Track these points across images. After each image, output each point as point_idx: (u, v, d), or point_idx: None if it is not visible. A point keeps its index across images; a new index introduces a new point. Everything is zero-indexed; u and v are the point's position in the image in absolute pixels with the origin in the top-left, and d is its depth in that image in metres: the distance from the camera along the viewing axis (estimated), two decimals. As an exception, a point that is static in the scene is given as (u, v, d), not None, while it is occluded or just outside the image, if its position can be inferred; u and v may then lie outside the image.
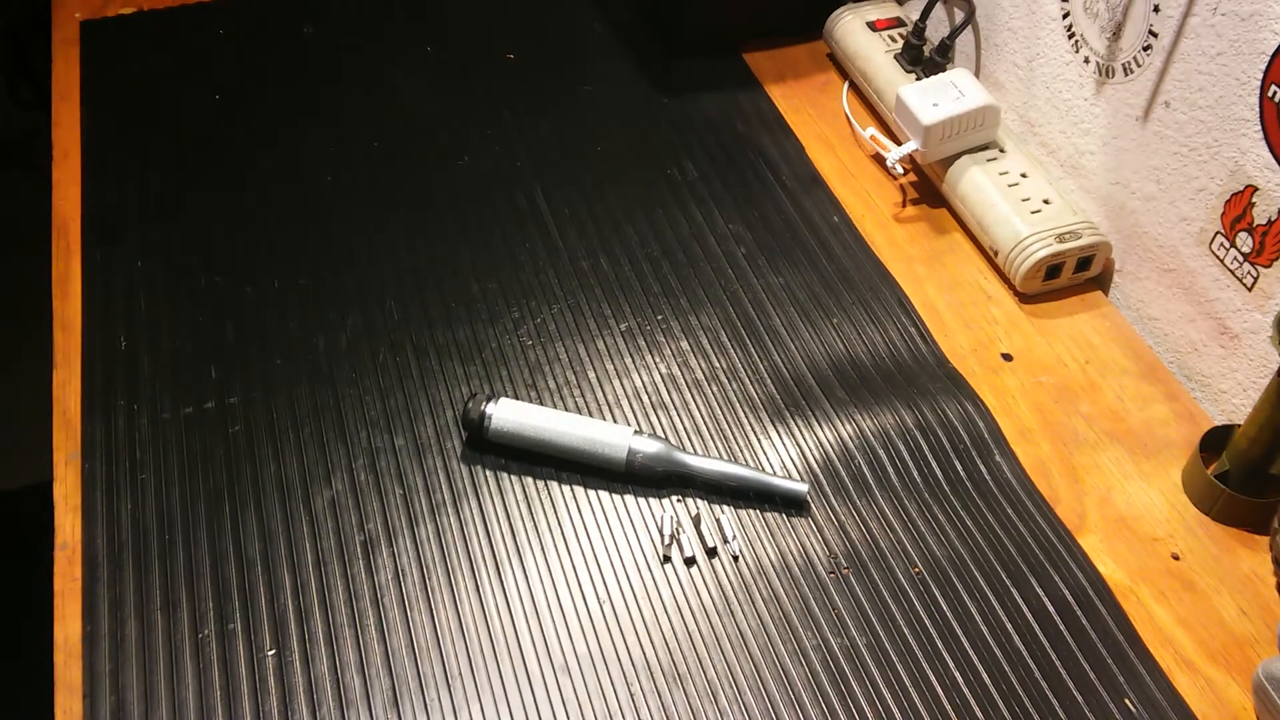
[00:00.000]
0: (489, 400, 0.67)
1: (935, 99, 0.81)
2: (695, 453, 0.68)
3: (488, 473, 0.67)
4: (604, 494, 0.66)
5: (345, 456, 0.68)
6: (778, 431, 0.70)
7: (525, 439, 0.66)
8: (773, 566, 0.63)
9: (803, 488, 0.66)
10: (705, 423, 0.70)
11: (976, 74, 0.91)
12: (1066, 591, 0.62)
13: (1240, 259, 0.67)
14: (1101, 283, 0.80)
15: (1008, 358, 0.75)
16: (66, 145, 0.89)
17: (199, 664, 0.58)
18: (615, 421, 0.70)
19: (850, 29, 0.95)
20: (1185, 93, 0.69)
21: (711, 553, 0.64)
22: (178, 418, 0.69)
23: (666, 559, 0.63)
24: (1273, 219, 0.64)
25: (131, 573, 0.62)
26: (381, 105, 0.93)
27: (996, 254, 0.79)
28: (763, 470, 0.67)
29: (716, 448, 0.69)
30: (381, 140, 0.90)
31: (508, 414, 0.66)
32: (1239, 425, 0.65)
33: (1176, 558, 0.64)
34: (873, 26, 0.94)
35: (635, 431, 0.66)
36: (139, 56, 0.97)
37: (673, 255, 0.81)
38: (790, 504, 0.66)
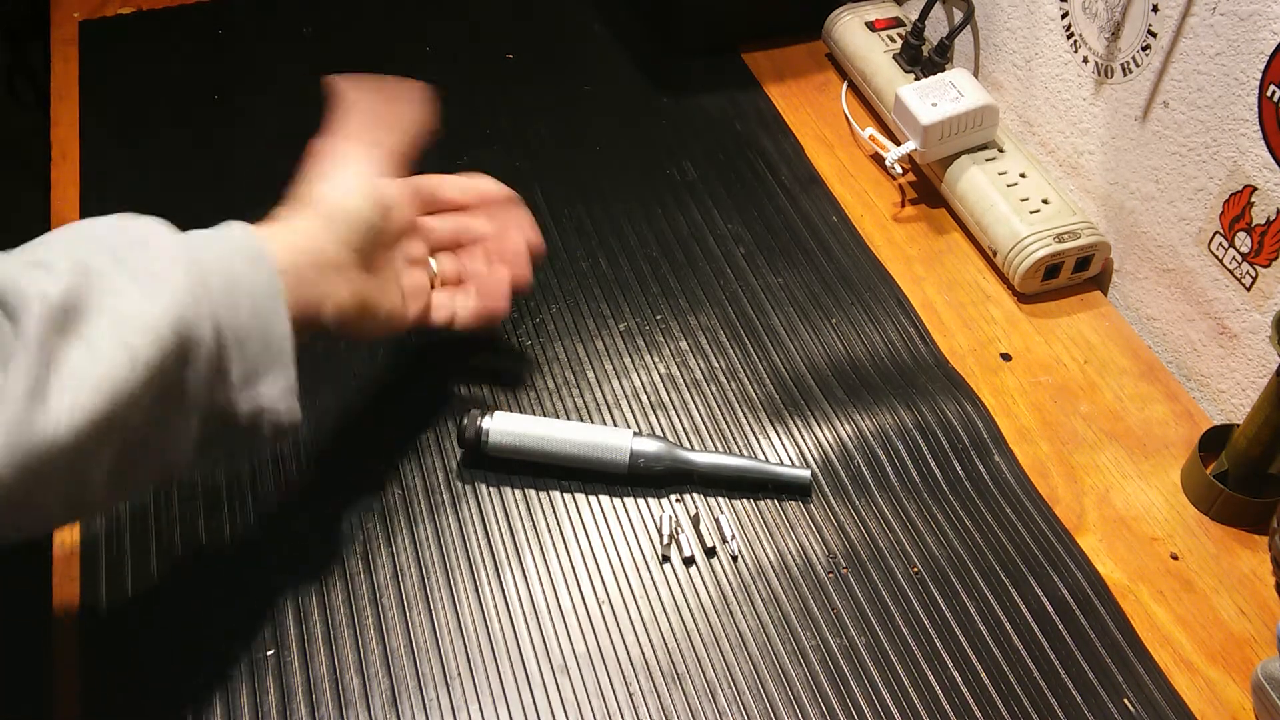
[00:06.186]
0: (484, 415, 0.66)
1: (934, 99, 0.81)
2: (695, 450, 0.68)
3: (486, 473, 0.67)
4: (602, 494, 0.66)
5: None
6: (776, 431, 0.70)
7: (525, 451, 0.66)
8: (771, 566, 0.63)
9: (805, 474, 0.66)
10: (704, 423, 0.70)
11: (975, 74, 0.91)
12: (1065, 591, 0.62)
13: (1239, 259, 0.67)
14: (1100, 282, 0.80)
15: (1006, 357, 0.75)
16: (65, 145, 0.89)
17: (196, 664, 0.58)
18: (614, 422, 0.70)
19: (849, 29, 0.95)
20: (1184, 92, 0.69)
21: (710, 553, 0.64)
22: (176, 418, 0.69)
23: (665, 559, 0.63)
24: (1271, 219, 0.64)
25: (131, 572, 0.62)
26: (380, 105, 0.93)
27: (995, 254, 0.79)
28: (765, 461, 0.67)
29: (715, 447, 0.69)
30: (380, 140, 0.90)
31: (505, 428, 0.66)
32: (1238, 425, 0.65)
33: (1175, 557, 0.64)
34: (871, 26, 0.94)
35: (635, 433, 0.66)
36: (138, 56, 0.97)
37: (671, 255, 0.81)
38: (795, 492, 0.66)
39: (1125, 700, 0.58)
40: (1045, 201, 0.79)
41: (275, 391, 0.52)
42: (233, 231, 0.53)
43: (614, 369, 0.73)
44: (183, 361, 0.47)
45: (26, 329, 0.43)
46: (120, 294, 0.46)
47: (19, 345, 0.43)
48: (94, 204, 0.84)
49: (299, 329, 0.53)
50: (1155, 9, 0.69)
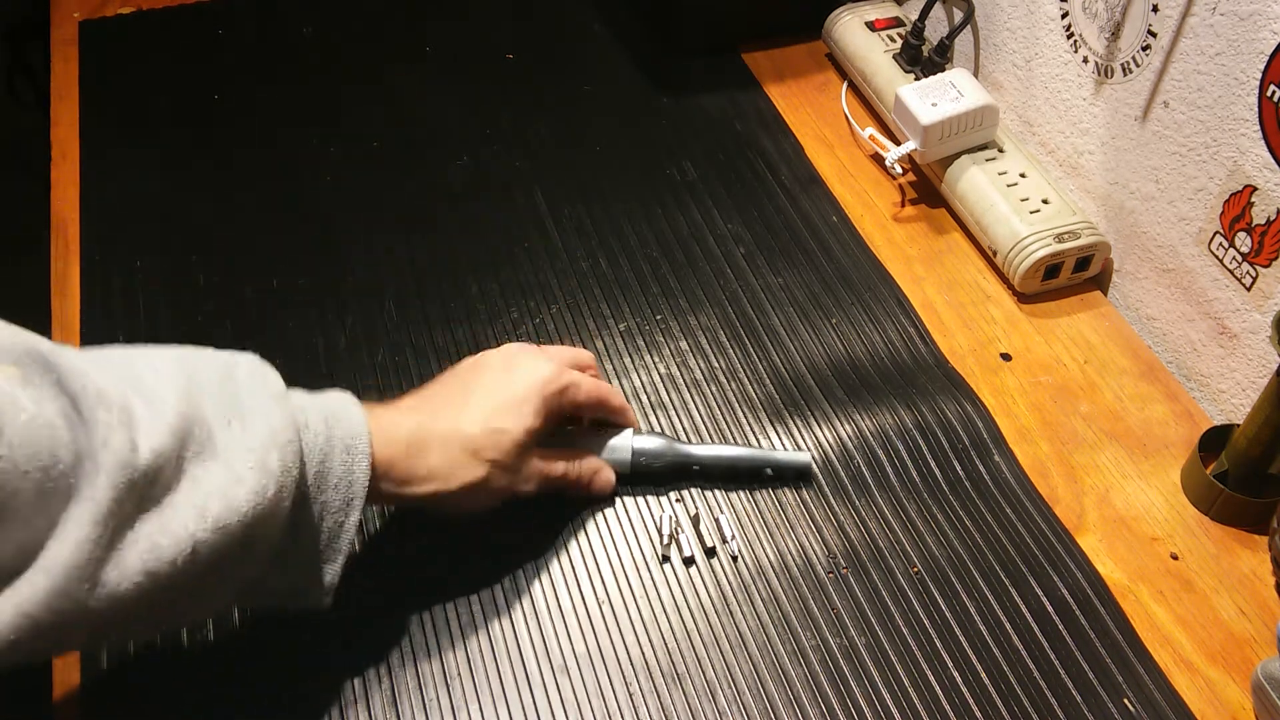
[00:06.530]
0: None
1: (934, 99, 0.81)
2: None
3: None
4: (603, 494, 0.66)
5: (344, 456, 0.67)
6: (776, 431, 0.70)
7: None
8: (771, 566, 0.63)
9: (805, 457, 0.66)
10: (704, 423, 0.70)
11: (975, 74, 0.91)
12: (1065, 591, 0.62)
13: (1239, 259, 0.67)
14: (1100, 283, 0.80)
15: (1006, 357, 0.75)
16: (65, 145, 0.89)
17: (195, 666, 0.58)
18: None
19: (849, 29, 0.95)
20: (1184, 92, 0.69)
21: (710, 553, 0.64)
22: (176, 418, 0.69)
23: (665, 559, 0.63)
24: (1271, 219, 0.64)
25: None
26: (381, 105, 0.93)
27: (995, 254, 0.79)
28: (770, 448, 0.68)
29: (715, 448, 0.69)
30: (381, 140, 0.90)
31: None
32: (1238, 425, 0.65)
33: (1175, 557, 0.64)
34: (872, 26, 0.94)
35: (635, 431, 0.66)
36: (138, 56, 0.97)
37: (671, 255, 0.81)
38: (797, 478, 0.66)
39: (1125, 700, 0.58)
40: (1045, 201, 0.79)
41: (322, 579, 0.53)
42: (343, 420, 0.53)
43: (614, 369, 0.73)
44: (246, 547, 0.47)
45: (103, 476, 0.41)
46: (211, 465, 0.46)
47: (89, 493, 0.41)
48: (94, 204, 0.84)
49: (377, 503, 0.54)
50: (1155, 9, 0.69)
